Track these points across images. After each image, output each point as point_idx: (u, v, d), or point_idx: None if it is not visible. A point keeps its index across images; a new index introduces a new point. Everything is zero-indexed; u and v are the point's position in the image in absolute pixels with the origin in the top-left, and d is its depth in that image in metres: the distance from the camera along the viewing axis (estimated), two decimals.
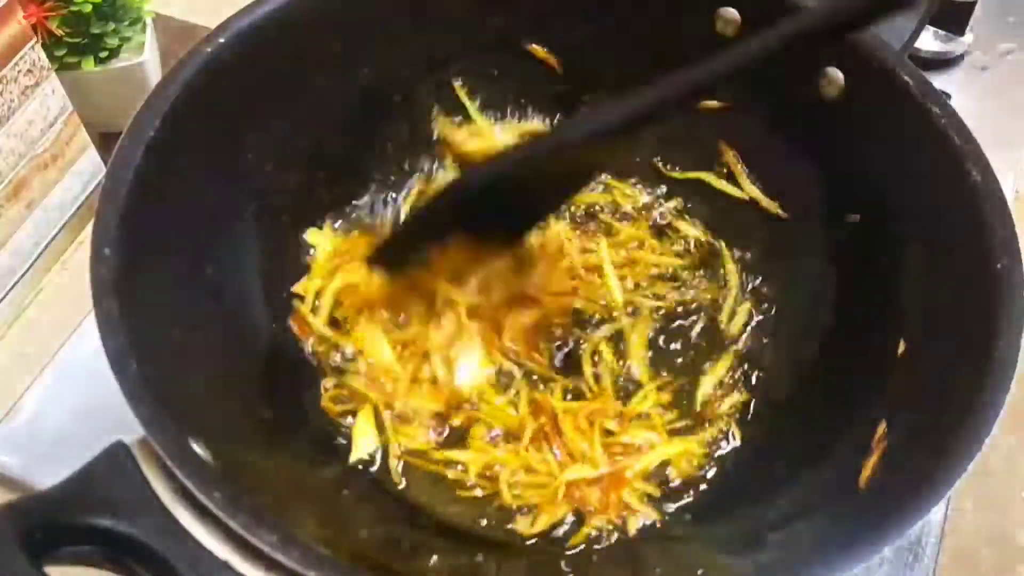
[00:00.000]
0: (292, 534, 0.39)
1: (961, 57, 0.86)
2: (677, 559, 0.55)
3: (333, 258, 0.64)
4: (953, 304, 0.51)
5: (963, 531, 0.65)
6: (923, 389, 0.50)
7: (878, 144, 0.59)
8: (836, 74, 0.60)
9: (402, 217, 0.69)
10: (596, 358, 0.63)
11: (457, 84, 0.70)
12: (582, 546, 0.55)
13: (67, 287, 0.71)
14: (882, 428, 0.50)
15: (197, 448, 0.42)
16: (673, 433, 0.60)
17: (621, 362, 0.64)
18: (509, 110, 0.72)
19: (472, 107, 0.71)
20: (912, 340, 0.53)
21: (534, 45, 0.69)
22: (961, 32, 0.85)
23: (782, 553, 0.48)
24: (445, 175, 0.71)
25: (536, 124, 0.72)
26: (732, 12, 0.63)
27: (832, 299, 0.63)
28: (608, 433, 0.59)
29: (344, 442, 0.59)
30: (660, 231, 0.70)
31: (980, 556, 0.65)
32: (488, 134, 0.71)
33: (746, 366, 0.64)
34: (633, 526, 0.56)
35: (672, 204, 0.71)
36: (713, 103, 0.68)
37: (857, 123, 0.60)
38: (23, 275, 0.70)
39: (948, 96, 0.68)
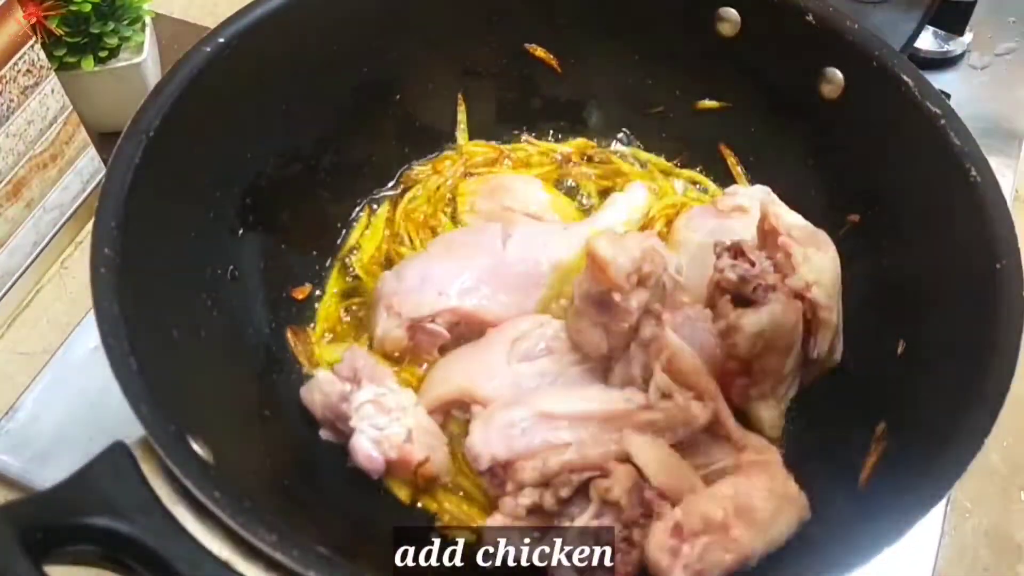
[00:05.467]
0: (292, 534, 0.39)
1: (961, 57, 0.86)
2: None
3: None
4: (953, 304, 0.51)
5: (963, 531, 0.65)
6: (923, 388, 0.50)
7: (877, 144, 0.59)
8: (836, 74, 0.60)
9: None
10: None
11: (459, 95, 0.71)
12: None
13: (67, 287, 0.71)
14: (882, 428, 0.50)
15: (197, 448, 0.42)
16: None
17: None
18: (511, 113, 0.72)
19: (463, 124, 0.71)
20: (912, 340, 0.53)
21: (534, 45, 0.69)
22: (961, 32, 0.85)
23: (782, 552, 0.48)
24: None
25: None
26: (732, 12, 0.63)
27: None
28: None
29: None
30: None
31: (980, 556, 0.65)
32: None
33: None
34: None
35: None
36: (713, 103, 0.68)
37: (857, 123, 0.60)
38: (23, 274, 0.70)
39: (948, 96, 0.68)
